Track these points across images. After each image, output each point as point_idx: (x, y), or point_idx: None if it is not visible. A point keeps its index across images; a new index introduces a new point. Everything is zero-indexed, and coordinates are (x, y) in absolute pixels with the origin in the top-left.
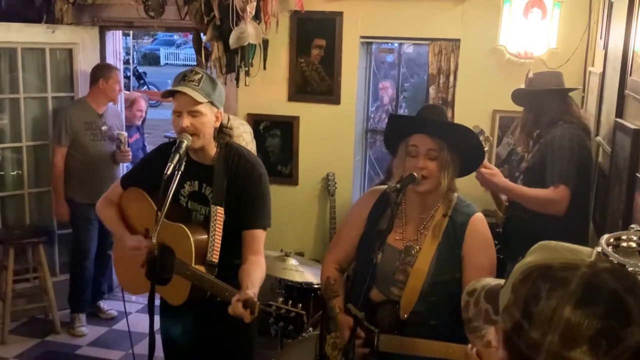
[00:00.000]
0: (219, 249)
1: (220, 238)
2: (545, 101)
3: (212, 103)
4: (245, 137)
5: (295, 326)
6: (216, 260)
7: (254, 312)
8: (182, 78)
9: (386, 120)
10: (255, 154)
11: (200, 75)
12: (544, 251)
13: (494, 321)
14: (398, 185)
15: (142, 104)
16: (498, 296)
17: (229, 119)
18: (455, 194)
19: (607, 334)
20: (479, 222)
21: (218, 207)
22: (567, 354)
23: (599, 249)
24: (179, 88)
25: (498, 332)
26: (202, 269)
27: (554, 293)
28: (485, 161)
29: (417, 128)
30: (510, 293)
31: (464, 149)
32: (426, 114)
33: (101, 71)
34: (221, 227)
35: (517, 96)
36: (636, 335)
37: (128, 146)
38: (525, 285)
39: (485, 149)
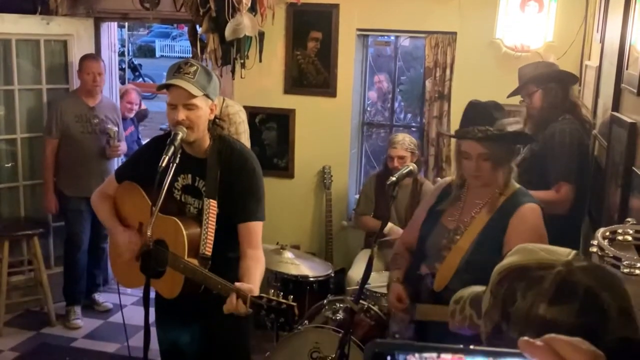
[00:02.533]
0: (212, 242)
1: (213, 231)
2: (552, 87)
3: (207, 96)
4: (241, 115)
5: (286, 318)
6: (209, 254)
7: (246, 304)
8: (177, 70)
9: (382, 113)
10: (248, 134)
11: (195, 67)
12: (522, 253)
13: (478, 325)
14: (394, 179)
15: (134, 96)
16: (481, 302)
17: (223, 100)
18: (517, 185)
19: (583, 330)
20: (527, 212)
21: (211, 200)
22: None
23: (594, 242)
24: (174, 81)
25: (482, 337)
26: (195, 262)
27: (529, 292)
28: None
29: (461, 136)
30: (490, 296)
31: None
32: (471, 118)
33: (79, 63)
34: (214, 220)
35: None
36: (613, 332)
37: (122, 139)
38: (502, 286)
39: None
